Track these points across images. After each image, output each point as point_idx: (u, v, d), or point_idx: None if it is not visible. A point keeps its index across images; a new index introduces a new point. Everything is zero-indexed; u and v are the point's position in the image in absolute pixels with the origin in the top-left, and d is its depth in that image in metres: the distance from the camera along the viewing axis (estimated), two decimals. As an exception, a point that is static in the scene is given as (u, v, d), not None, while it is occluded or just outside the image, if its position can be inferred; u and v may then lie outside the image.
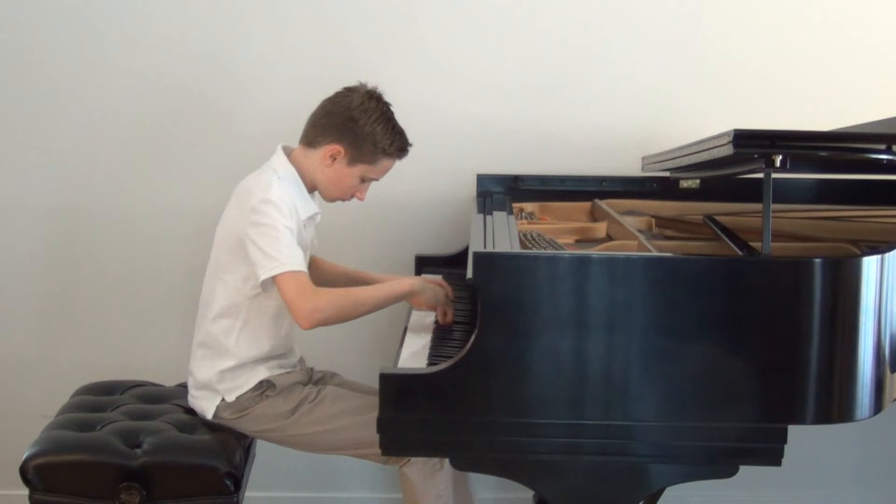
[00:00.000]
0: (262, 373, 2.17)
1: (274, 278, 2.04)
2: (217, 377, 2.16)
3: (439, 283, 2.26)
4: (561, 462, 1.78)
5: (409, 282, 2.19)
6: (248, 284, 2.12)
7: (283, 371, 2.22)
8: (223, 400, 2.17)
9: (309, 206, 2.21)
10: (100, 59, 2.80)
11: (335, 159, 2.16)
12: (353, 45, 2.82)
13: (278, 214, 2.06)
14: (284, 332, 2.22)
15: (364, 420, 2.07)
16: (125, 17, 2.79)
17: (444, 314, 2.22)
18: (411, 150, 2.23)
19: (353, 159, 2.16)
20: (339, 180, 2.19)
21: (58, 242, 2.88)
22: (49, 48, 2.79)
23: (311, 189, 2.22)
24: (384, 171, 2.22)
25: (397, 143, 2.18)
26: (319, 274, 2.41)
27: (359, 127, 2.13)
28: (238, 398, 2.16)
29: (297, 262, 2.05)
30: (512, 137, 2.86)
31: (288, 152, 2.22)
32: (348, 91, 2.19)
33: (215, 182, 2.58)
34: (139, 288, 2.88)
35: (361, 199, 2.25)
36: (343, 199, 2.25)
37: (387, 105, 2.19)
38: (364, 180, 2.21)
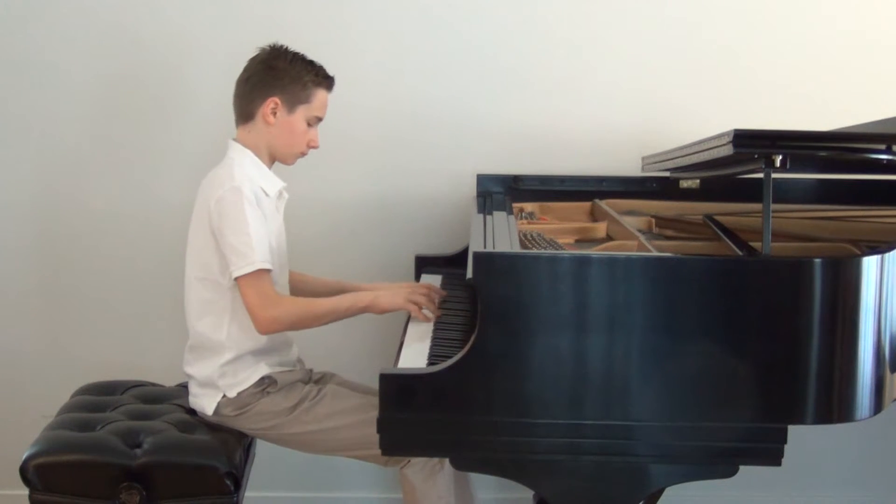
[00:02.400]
0: (263, 369, 2.18)
1: (238, 278, 2.07)
2: (218, 372, 2.16)
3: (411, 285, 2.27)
4: (561, 462, 1.78)
5: (372, 295, 2.19)
6: (227, 275, 2.12)
7: (284, 369, 2.22)
8: (224, 396, 2.17)
9: (274, 181, 2.24)
10: (99, 57, 2.81)
11: (276, 113, 2.19)
12: (350, 44, 2.82)
13: (244, 202, 2.08)
14: None
15: (364, 419, 2.07)
16: (113, 12, 2.80)
17: (419, 309, 2.18)
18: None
19: (291, 104, 2.20)
20: (290, 132, 2.21)
21: (58, 241, 2.88)
22: (41, 41, 2.80)
23: (270, 163, 2.25)
24: (323, 106, 2.25)
25: (321, 72, 2.23)
26: (302, 289, 2.41)
27: (280, 71, 2.19)
28: (239, 394, 2.16)
29: (264, 257, 2.08)
30: (512, 137, 2.86)
31: (237, 140, 2.25)
32: (254, 56, 2.24)
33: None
34: (140, 287, 2.88)
35: (316, 146, 2.27)
36: (303, 153, 2.27)
37: (293, 50, 2.23)
38: (310, 124, 2.24)
